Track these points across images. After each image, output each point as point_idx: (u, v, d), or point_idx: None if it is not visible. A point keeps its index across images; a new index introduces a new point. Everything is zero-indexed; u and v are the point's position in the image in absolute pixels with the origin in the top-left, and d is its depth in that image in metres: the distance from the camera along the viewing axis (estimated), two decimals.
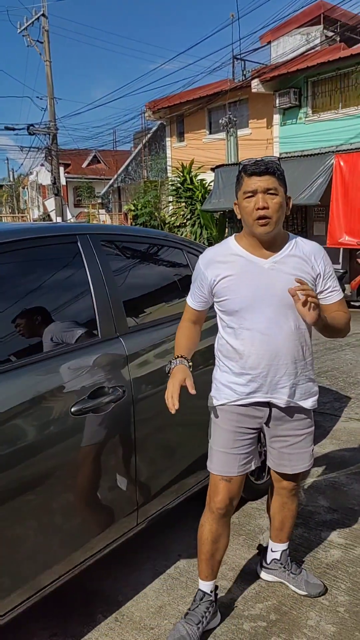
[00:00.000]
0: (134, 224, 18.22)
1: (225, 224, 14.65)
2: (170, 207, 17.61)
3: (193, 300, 2.19)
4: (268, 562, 2.45)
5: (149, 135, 24.82)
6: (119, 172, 27.79)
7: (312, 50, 14.84)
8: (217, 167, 13.89)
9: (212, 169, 14.28)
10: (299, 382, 2.08)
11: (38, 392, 1.95)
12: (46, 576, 1.96)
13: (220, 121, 15.10)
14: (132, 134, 27.63)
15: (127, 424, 2.26)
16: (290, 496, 2.32)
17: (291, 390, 2.07)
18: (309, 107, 14.35)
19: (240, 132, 15.07)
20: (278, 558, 2.42)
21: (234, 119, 14.43)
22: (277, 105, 14.56)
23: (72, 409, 2.01)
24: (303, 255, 2.02)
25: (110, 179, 29.26)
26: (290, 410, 2.12)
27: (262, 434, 2.26)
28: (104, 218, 27.68)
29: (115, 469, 2.23)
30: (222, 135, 15.45)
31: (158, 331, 2.55)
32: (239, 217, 2.04)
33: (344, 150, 11.75)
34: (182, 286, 2.81)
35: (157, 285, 2.88)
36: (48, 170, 23.33)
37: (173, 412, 1.92)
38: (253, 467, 2.18)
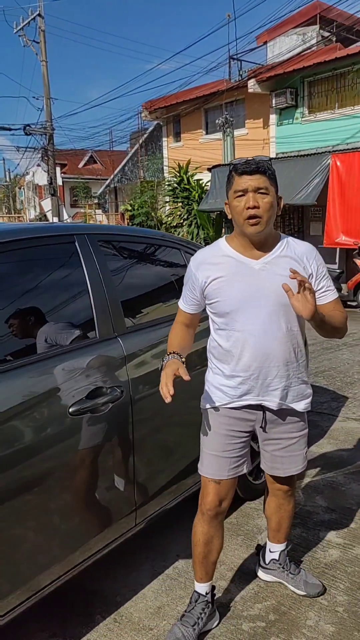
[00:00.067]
0: (130, 224, 18.21)
1: (222, 224, 14.66)
2: (167, 207, 17.60)
3: (185, 304, 2.15)
4: (267, 562, 2.45)
5: (145, 136, 24.83)
6: (116, 172, 27.78)
7: (309, 51, 14.86)
8: (214, 167, 13.90)
9: (209, 169, 14.29)
10: (292, 385, 2.06)
11: (36, 393, 1.94)
12: (45, 577, 1.96)
13: (216, 121, 15.10)
14: (128, 134, 27.73)
15: (125, 424, 2.26)
16: (287, 497, 2.31)
17: (283, 393, 2.04)
18: (305, 107, 14.37)
19: (236, 132, 15.08)
20: (277, 558, 2.42)
21: (231, 119, 14.44)
22: (273, 105, 14.57)
23: (70, 410, 2.01)
24: (294, 256, 1.99)
25: (106, 179, 29.25)
26: (283, 413, 2.10)
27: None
28: (100, 218, 27.68)
29: (114, 469, 2.23)
30: (219, 135, 15.46)
31: (156, 331, 2.55)
32: (229, 217, 2.01)
33: (340, 150, 11.77)
34: (180, 286, 2.78)
35: (155, 285, 2.88)
36: (44, 171, 23.28)
37: (167, 401, 1.82)
38: (245, 471, 2.16)
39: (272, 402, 2.04)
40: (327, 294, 2.05)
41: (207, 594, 2.18)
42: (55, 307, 2.26)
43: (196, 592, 2.19)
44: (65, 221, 23.20)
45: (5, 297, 2.04)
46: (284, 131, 14.76)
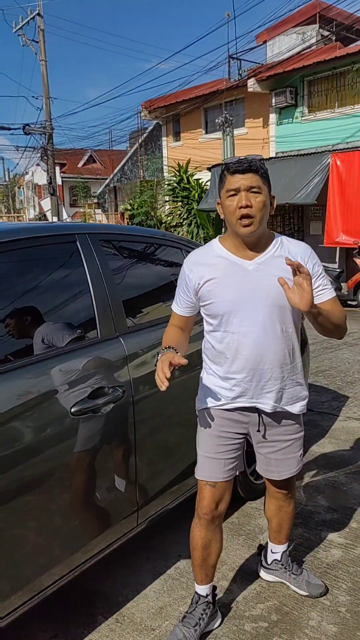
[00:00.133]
0: (130, 223, 18.20)
1: (222, 223, 14.64)
2: (167, 207, 17.60)
3: (179, 306, 2.10)
4: (269, 562, 2.44)
5: (145, 135, 24.81)
6: (115, 171, 27.77)
7: (308, 50, 14.86)
8: (214, 166, 13.89)
9: (209, 169, 14.29)
10: (286, 387, 2.03)
11: (38, 393, 1.93)
12: (48, 577, 1.95)
13: (216, 121, 15.08)
14: (128, 134, 27.70)
15: (126, 424, 2.25)
16: (286, 499, 2.30)
17: (278, 395, 2.01)
18: (305, 107, 14.36)
19: (236, 132, 15.06)
20: (279, 559, 2.41)
21: (230, 119, 14.41)
22: (273, 104, 14.56)
23: (72, 410, 2.00)
24: (289, 255, 1.94)
25: (106, 179, 29.24)
26: (278, 416, 2.07)
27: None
28: (100, 218, 27.65)
29: (116, 469, 2.22)
30: (219, 134, 15.44)
31: (157, 331, 2.53)
32: (222, 217, 1.98)
33: (340, 149, 11.77)
34: None
35: (156, 285, 2.88)
36: (44, 170, 23.30)
37: (163, 388, 1.77)
38: (237, 473, 2.13)
39: (267, 405, 2.02)
40: (324, 292, 1.99)
41: (207, 595, 2.17)
42: (57, 307, 2.25)
43: (197, 593, 2.18)
44: (64, 220, 23.19)
45: (8, 296, 2.03)
46: (284, 130, 14.76)
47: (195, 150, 16.94)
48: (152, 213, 18.09)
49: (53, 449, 1.95)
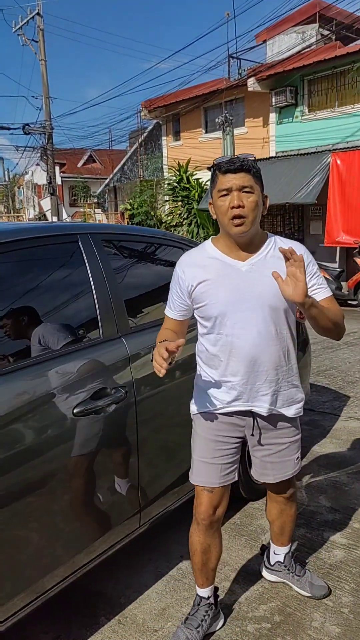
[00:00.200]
0: (130, 223, 18.18)
1: None
2: (167, 207, 17.59)
3: (173, 310, 2.06)
4: (272, 563, 2.43)
5: (144, 135, 24.77)
6: (115, 171, 27.74)
7: (308, 49, 14.83)
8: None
9: (209, 168, 14.16)
10: (281, 389, 2.00)
11: (40, 393, 1.93)
12: (50, 579, 1.95)
13: (216, 120, 15.05)
14: (127, 133, 27.65)
15: (129, 425, 2.24)
16: (288, 502, 2.28)
17: (273, 398, 1.99)
18: (305, 106, 14.34)
19: (236, 131, 15.03)
20: (282, 561, 2.40)
21: (230, 118, 14.39)
22: (273, 103, 14.54)
23: (75, 410, 2.00)
24: (282, 256, 1.89)
25: (106, 179, 29.21)
26: (273, 419, 2.05)
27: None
28: (99, 217, 27.64)
29: (118, 471, 2.22)
30: (219, 134, 15.41)
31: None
32: (214, 217, 1.95)
33: (340, 148, 11.78)
34: None
35: (158, 285, 2.86)
36: (43, 170, 23.25)
37: (161, 374, 1.71)
38: (236, 478, 2.11)
39: (262, 408, 1.99)
40: (319, 291, 1.95)
41: (209, 597, 2.16)
42: (58, 307, 2.24)
43: (198, 595, 2.17)
44: (64, 220, 23.19)
45: (10, 296, 2.03)
46: (284, 130, 14.74)
47: (195, 150, 16.92)
48: (152, 213, 18.08)
49: (56, 450, 1.94)
